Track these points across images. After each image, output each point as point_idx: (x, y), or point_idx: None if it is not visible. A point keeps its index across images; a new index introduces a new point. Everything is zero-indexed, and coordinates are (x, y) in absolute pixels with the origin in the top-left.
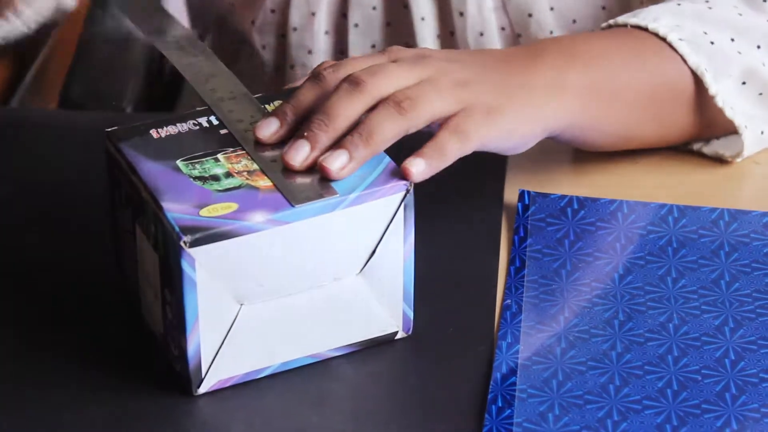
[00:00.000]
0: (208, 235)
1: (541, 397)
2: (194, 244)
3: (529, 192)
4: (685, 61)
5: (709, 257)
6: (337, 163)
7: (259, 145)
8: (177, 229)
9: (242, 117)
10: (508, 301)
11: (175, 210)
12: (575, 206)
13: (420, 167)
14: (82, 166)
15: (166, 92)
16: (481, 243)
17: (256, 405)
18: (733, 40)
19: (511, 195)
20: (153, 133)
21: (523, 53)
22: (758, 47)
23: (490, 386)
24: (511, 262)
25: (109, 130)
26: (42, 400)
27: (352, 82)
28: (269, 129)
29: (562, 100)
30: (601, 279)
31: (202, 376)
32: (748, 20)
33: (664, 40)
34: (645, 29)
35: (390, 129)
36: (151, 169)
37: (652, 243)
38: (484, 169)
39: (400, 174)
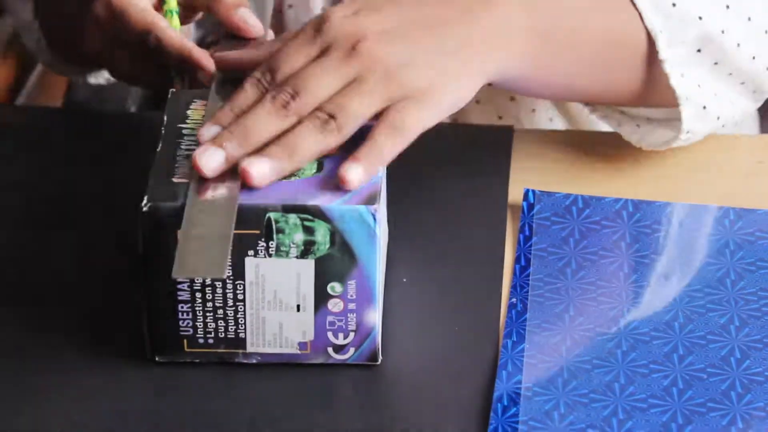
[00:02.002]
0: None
1: (547, 395)
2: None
3: (534, 191)
4: (643, 19)
5: (715, 255)
6: (257, 168)
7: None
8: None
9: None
10: (514, 299)
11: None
12: (580, 205)
13: (358, 174)
14: (87, 165)
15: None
16: (487, 242)
17: (260, 401)
18: None
19: (516, 194)
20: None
21: None
22: (727, 7)
23: (496, 384)
24: (516, 260)
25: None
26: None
27: (277, 100)
28: (209, 133)
29: (509, 49)
30: (606, 278)
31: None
32: None
33: None
34: None
35: (314, 147)
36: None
37: (657, 241)
38: (488, 168)
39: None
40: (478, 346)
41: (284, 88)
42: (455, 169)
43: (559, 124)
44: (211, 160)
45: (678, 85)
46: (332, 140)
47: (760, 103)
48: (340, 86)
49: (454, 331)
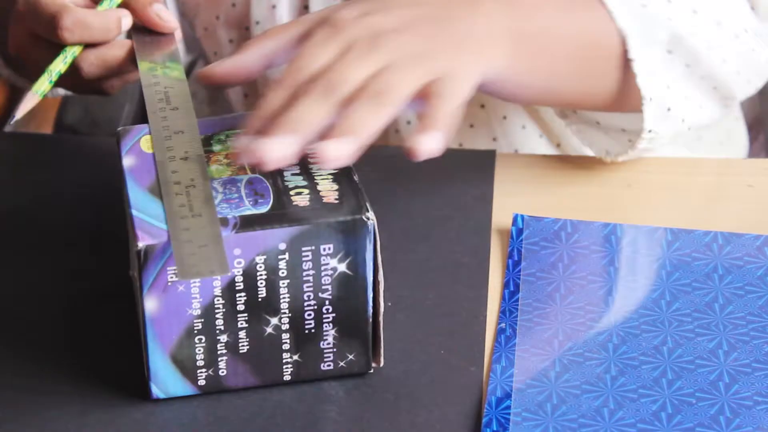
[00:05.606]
0: None
1: (536, 420)
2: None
3: (522, 216)
4: (614, 20)
5: (703, 280)
6: (336, 149)
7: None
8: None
9: (181, 179)
10: (503, 324)
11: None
12: (569, 230)
13: (438, 141)
14: (77, 190)
15: None
16: (471, 266)
17: (246, 422)
18: (670, 1)
19: (505, 219)
20: None
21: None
22: (694, 11)
23: (485, 410)
24: (505, 285)
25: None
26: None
27: (318, 91)
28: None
29: (494, 47)
30: (594, 302)
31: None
32: None
33: None
34: None
35: (376, 122)
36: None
37: (646, 266)
38: (471, 192)
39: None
40: (465, 371)
41: (321, 82)
42: (438, 193)
43: (545, 143)
44: (276, 149)
45: (644, 85)
46: (388, 115)
47: (728, 111)
48: (375, 69)
49: (441, 354)
